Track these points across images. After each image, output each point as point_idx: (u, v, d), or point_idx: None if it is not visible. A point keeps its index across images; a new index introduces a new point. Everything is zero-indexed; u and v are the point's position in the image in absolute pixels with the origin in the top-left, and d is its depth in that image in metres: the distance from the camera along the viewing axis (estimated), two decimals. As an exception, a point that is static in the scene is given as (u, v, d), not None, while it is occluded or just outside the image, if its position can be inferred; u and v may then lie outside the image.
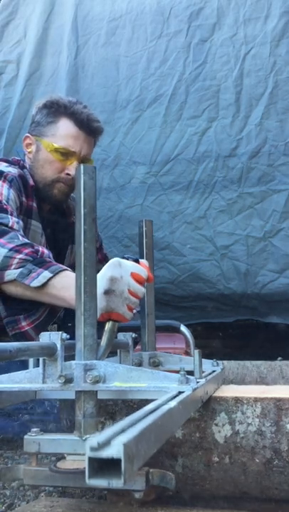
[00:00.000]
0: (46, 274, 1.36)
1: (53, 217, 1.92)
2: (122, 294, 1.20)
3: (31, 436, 0.93)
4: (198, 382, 0.97)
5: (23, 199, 1.75)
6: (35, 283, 1.36)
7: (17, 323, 1.56)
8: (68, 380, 0.91)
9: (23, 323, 1.56)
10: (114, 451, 0.52)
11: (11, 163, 1.83)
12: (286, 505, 1.11)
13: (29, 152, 1.87)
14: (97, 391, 0.93)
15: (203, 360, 1.12)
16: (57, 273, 1.36)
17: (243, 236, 2.41)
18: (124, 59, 2.69)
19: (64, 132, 1.80)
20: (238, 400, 1.11)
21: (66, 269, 1.39)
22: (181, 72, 2.58)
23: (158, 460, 1.12)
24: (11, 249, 1.42)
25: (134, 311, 1.25)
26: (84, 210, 0.95)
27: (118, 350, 1.33)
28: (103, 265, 1.25)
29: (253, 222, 2.40)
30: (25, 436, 0.93)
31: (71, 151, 1.79)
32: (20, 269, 1.40)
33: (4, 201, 1.61)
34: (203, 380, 1.04)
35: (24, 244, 1.45)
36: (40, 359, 0.95)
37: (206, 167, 2.48)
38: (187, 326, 1.83)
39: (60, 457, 0.95)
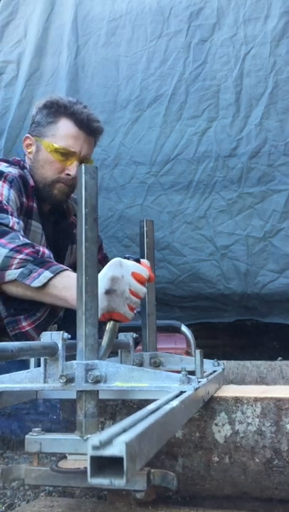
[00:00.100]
0: (47, 274, 1.36)
1: (53, 217, 1.92)
2: (123, 293, 1.20)
3: (33, 436, 0.93)
4: (199, 382, 0.97)
5: (24, 199, 1.75)
6: (36, 283, 1.36)
7: (17, 324, 1.56)
8: (69, 380, 0.91)
9: (24, 324, 1.56)
10: (117, 450, 0.52)
11: (11, 163, 1.83)
12: (286, 505, 1.11)
13: (29, 152, 1.87)
14: (98, 391, 0.93)
15: (204, 360, 1.12)
16: (58, 273, 1.36)
17: (243, 236, 2.41)
18: (124, 59, 2.69)
19: (64, 132, 1.80)
20: (238, 400, 1.11)
21: (67, 269, 1.39)
22: (181, 72, 2.58)
23: (158, 460, 1.13)
24: (11, 250, 1.42)
25: (135, 311, 1.25)
26: (85, 210, 0.95)
27: (119, 351, 1.33)
28: (103, 265, 1.25)
29: (253, 222, 2.40)
30: (27, 436, 0.93)
31: (71, 151, 1.79)
32: (21, 269, 1.39)
33: (5, 201, 1.61)
34: (204, 380, 1.04)
35: (25, 245, 1.45)
36: (42, 359, 0.95)
37: (206, 167, 2.48)
38: (187, 326, 1.84)
39: (62, 457, 0.95)
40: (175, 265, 2.47)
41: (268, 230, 2.37)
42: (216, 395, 1.13)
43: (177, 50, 2.61)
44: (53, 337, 0.93)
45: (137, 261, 1.28)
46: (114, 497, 1.19)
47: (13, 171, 1.75)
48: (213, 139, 2.49)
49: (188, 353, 1.69)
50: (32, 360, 1.12)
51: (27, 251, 1.42)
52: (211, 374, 1.21)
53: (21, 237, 1.49)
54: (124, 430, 0.57)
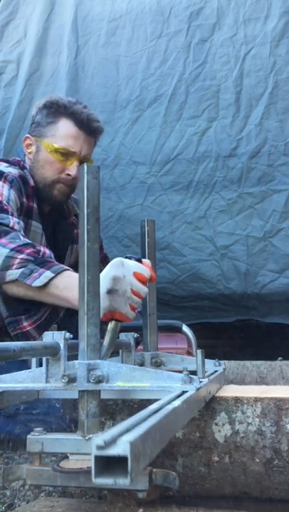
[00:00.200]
0: (48, 274, 1.36)
1: (53, 217, 1.92)
2: (124, 293, 1.20)
3: (34, 436, 0.92)
4: (201, 381, 0.97)
5: (24, 200, 1.75)
6: (37, 283, 1.36)
7: (18, 324, 1.56)
8: (71, 380, 0.91)
9: (25, 324, 1.56)
10: (121, 449, 0.51)
11: (11, 163, 1.83)
12: (286, 505, 1.11)
13: (29, 153, 1.87)
14: (100, 391, 0.93)
15: (205, 360, 1.12)
16: (59, 273, 1.36)
17: (243, 236, 2.41)
18: (124, 59, 2.69)
19: (64, 132, 1.80)
20: (238, 400, 1.11)
21: (68, 269, 1.39)
22: (181, 72, 2.58)
23: (158, 459, 1.12)
24: (12, 250, 1.42)
25: (137, 310, 1.25)
26: (87, 209, 0.95)
27: (120, 350, 1.33)
28: (103, 266, 1.25)
29: (253, 222, 2.40)
30: (29, 436, 0.93)
31: (71, 151, 1.79)
32: (22, 269, 1.39)
33: (5, 202, 1.61)
34: (206, 380, 1.04)
35: (26, 245, 1.45)
36: (44, 359, 0.95)
37: (206, 167, 2.48)
38: (187, 326, 1.84)
39: (63, 457, 0.95)
40: (175, 265, 2.48)
41: (268, 230, 2.38)
42: (216, 394, 1.13)
43: (177, 50, 2.61)
44: (54, 337, 0.93)
45: (139, 261, 1.28)
46: (114, 497, 1.18)
47: (13, 171, 1.75)
48: (213, 139, 2.49)
49: (189, 353, 1.69)
50: (33, 360, 1.12)
51: (28, 251, 1.42)
52: (212, 374, 1.21)
53: (22, 237, 1.49)
54: (128, 430, 0.57)
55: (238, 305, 2.46)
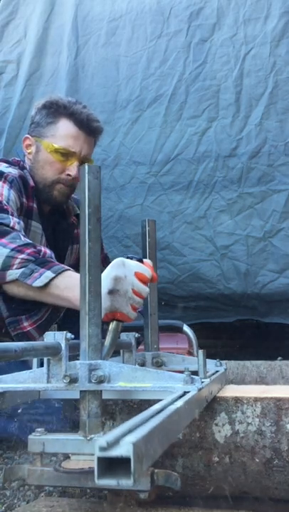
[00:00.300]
0: (49, 274, 1.36)
1: (53, 218, 1.92)
2: (126, 293, 1.20)
3: (36, 436, 0.92)
4: (203, 382, 0.97)
5: (24, 200, 1.75)
6: (38, 283, 1.36)
7: (19, 324, 1.56)
8: (73, 380, 0.91)
9: (25, 324, 1.55)
10: (124, 450, 0.51)
11: (11, 163, 1.82)
12: (286, 505, 1.11)
13: (29, 153, 1.86)
14: (101, 391, 0.93)
15: (206, 360, 1.12)
16: (59, 273, 1.36)
17: (243, 236, 2.41)
18: (124, 59, 2.69)
19: (64, 132, 1.80)
20: (238, 400, 1.11)
21: (69, 269, 1.38)
22: (181, 72, 2.58)
23: (158, 460, 1.12)
24: (12, 249, 1.42)
25: (138, 310, 1.25)
26: (88, 209, 0.95)
27: (121, 350, 1.32)
28: (104, 266, 1.25)
29: (253, 222, 2.40)
30: (30, 436, 0.92)
31: (71, 151, 1.79)
32: (23, 269, 1.39)
33: (5, 202, 1.61)
34: (207, 380, 1.04)
35: (26, 245, 1.45)
36: (45, 359, 0.94)
37: (206, 167, 2.48)
38: (187, 325, 1.84)
39: (64, 457, 0.94)
40: (175, 265, 2.48)
41: (268, 230, 2.38)
42: (216, 395, 1.13)
43: (177, 50, 2.61)
44: (56, 337, 0.93)
45: (140, 261, 1.28)
46: (114, 497, 1.18)
47: (13, 171, 1.74)
48: (213, 139, 2.49)
49: (190, 353, 1.69)
50: (35, 360, 1.11)
51: (28, 251, 1.42)
52: (213, 374, 1.21)
53: (22, 237, 1.49)
54: (130, 431, 0.57)
55: (238, 305, 2.46)
